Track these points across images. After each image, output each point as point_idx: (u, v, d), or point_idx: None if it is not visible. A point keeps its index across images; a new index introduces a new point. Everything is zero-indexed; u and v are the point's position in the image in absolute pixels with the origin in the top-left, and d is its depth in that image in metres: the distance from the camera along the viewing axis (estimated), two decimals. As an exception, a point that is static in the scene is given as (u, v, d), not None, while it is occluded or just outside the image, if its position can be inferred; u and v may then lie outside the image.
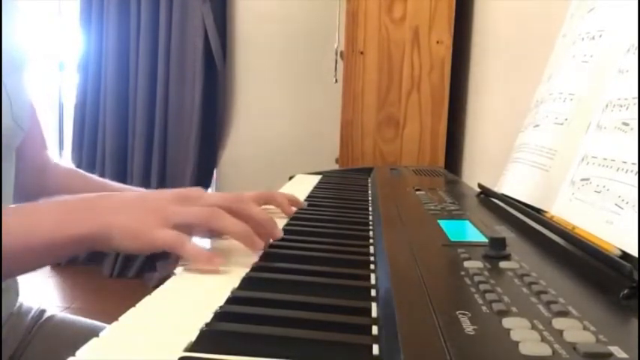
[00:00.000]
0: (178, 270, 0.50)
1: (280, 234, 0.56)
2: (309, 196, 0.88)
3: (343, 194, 0.93)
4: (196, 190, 0.57)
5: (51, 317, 0.80)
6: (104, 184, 0.89)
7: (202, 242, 0.58)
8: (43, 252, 0.51)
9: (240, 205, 0.55)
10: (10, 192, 0.70)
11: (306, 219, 0.70)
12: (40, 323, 0.78)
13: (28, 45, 0.72)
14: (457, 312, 0.33)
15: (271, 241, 0.57)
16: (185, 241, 0.50)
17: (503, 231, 0.57)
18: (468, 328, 0.31)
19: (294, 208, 0.75)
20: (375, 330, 0.36)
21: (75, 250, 0.53)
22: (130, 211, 0.52)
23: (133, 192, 0.56)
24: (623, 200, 0.45)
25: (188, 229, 0.52)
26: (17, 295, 0.78)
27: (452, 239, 0.53)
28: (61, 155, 3.01)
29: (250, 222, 0.54)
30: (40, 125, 0.83)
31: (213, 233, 0.59)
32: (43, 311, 0.80)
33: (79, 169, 0.92)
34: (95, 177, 0.91)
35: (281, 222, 0.67)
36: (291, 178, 1.16)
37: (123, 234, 0.50)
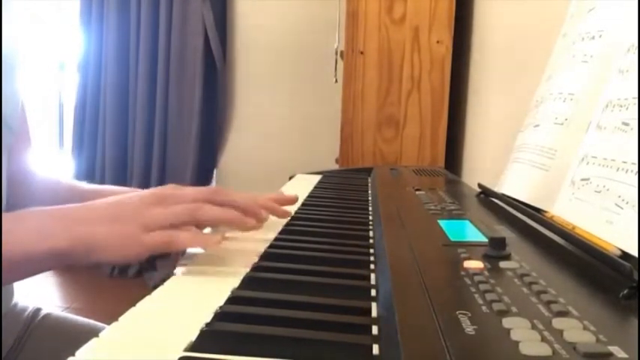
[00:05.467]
0: (178, 270, 0.50)
1: (266, 215, 0.55)
2: (309, 196, 0.88)
3: (343, 194, 0.93)
4: (172, 188, 0.55)
5: (47, 316, 0.80)
6: (93, 191, 0.79)
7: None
8: (20, 265, 0.49)
9: (220, 195, 0.54)
10: (2, 194, 0.70)
11: (306, 219, 0.70)
12: (37, 322, 0.78)
13: (19, 45, 0.71)
14: (457, 312, 0.33)
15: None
16: (176, 234, 0.49)
17: (503, 231, 0.57)
18: (468, 328, 0.31)
19: (287, 208, 0.69)
20: (375, 330, 0.36)
21: (54, 263, 0.50)
22: (109, 220, 0.50)
23: (108, 199, 0.54)
24: (623, 200, 0.45)
25: (173, 229, 0.51)
26: (12, 294, 0.78)
27: (452, 239, 0.53)
28: (60, 155, 3.01)
29: (234, 209, 0.53)
30: (27, 124, 0.78)
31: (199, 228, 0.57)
32: (38, 310, 0.80)
33: (64, 180, 0.85)
34: (83, 185, 0.82)
35: (281, 222, 0.67)
36: (291, 178, 1.16)
37: (106, 246, 0.49)
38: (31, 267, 0.50)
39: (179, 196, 0.53)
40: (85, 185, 0.83)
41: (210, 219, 0.52)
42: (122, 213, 0.51)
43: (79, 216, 0.52)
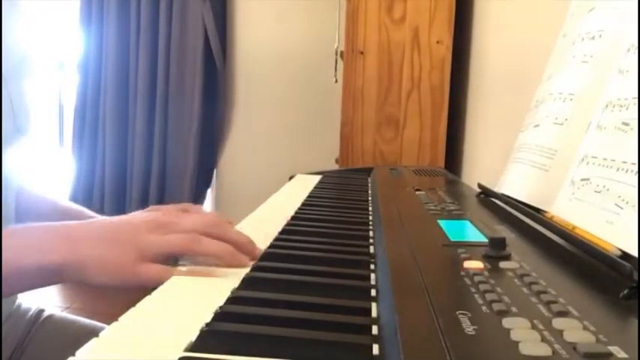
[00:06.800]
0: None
1: (259, 253, 0.54)
2: (309, 196, 0.88)
3: (343, 194, 0.93)
4: (170, 214, 0.55)
5: (50, 317, 0.80)
6: (69, 210, 0.79)
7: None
8: (11, 279, 0.48)
9: (217, 228, 0.54)
10: (12, 199, 0.70)
11: (306, 219, 0.70)
12: (39, 323, 0.78)
13: (32, 49, 0.72)
14: (457, 312, 0.33)
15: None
16: (170, 273, 0.48)
17: (503, 231, 0.57)
18: (468, 328, 0.31)
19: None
20: (375, 330, 0.36)
21: (45, 280, 0.49)
22: (105, 242, 0.49)
23: (105, 220, 0.53)
24: (623, 200, 0.45)
25: (167, 256, 0.51)
26: (16, 295, 0.78)
27: (452, 239, 0.53)
28: (60, 155, 3.00)
29: (229, 244, 0.53)
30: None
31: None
32: (41, 311, 0.80)
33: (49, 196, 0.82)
34: (62, 203, 0.81)
35: (281, 222, 0.67)
36: (291, 178, 1.16)
37: (99, 268, 0.48)
38: (21, 282, 0.49)
39: (176, 224, 0.53)
40: (62, 204, 0.80)
41: (203, 252, 0.52)
42: (120, 236, 0.50)
43: (75, 234, 0.51)
